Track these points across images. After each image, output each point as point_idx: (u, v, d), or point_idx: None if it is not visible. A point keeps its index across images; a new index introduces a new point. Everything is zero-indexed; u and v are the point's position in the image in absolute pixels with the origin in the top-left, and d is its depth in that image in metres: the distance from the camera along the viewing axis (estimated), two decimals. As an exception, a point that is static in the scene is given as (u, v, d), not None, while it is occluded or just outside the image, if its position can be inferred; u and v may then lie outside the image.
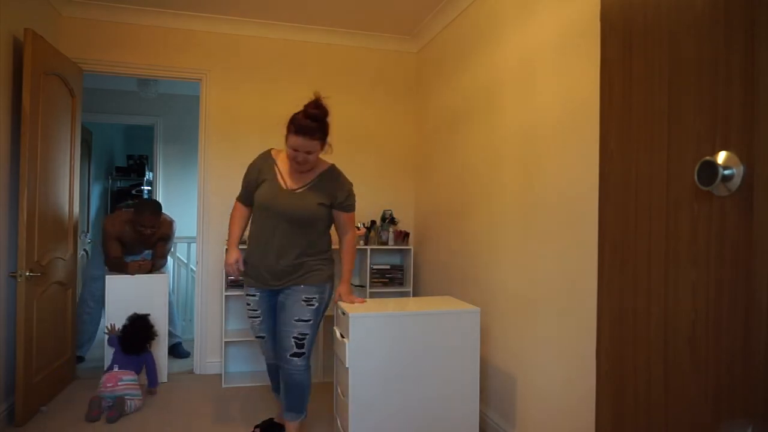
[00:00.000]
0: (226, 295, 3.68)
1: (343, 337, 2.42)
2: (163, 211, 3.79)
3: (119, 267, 3.64)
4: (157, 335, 3.47)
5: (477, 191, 3.09)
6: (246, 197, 2.65)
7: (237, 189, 3.92)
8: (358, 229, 3.87)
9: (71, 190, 3.54)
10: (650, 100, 1.07)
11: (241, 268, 2.60)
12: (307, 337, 2.48)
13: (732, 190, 0.88)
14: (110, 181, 6.67)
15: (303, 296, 2.48)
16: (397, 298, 2.85)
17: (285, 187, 2.48)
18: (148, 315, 3.47)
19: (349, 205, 2.58)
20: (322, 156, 2.51)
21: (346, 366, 2.32)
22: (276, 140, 3.97)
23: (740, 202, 0.87)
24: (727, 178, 0.88)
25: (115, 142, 6.95)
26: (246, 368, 3.87)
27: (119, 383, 3.07)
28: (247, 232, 2.72)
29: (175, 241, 4.76)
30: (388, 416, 2.37)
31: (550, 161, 2.38)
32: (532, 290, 2.48)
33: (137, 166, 6.72)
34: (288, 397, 2.54)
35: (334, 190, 2.53)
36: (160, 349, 3.62)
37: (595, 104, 1.94)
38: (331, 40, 4.04)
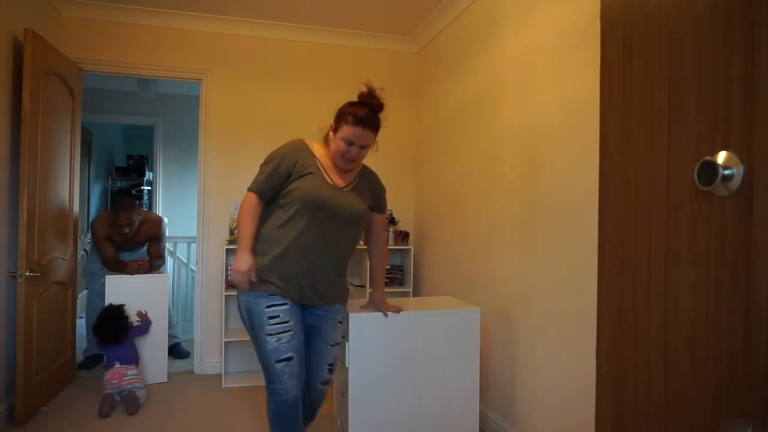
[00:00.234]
0: (226, 295, 3.68)
1: (343, 337, 2.41)
2: (139, 207, 3.79)
3: (118, 267, 3.64)
4: (132, 325, 3.40)
5: (477, 191, 3.09)
6: (268, 190, 2.12)
7: (237, 189, 3.94)
8: (359, 229, 3.86)
9: (71, 190, 3.54)
10: (650, 100, 1.07)
11: (254, 278, 2.07)
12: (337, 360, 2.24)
13: (732, 190, 0.88)
14: (110, 181, 6.67)
15: (339, 317, 2.22)
16: (398, 298, 2.85)
17: (333, 184, 2.13)
18: (123, 305, 3.43)
19: (385, 206, 2.37)
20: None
21: (346, 366, 2.32)
22: (276, 140, 3.97)
23: (740, 202, 0.87)
24: (727, 178, 0.88)
25: (115, 142, 6.95)
26: (246, 368, 3.87)
27: (125, 378, 3.13)
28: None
29: (175, 241, 4.77)
30: (388, 416, 2.36)
31: (550, 161, 2.38)
32: (532, 290, 2.48)
33: (137, 166, 6.72)
34: (307, 414, 2.21)
35: (375, 189, 2.28)
36: (160, 349, 3.62)
37: (595, 104, 1.94)
38: (331, 40, 4.04)
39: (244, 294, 2.10)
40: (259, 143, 3.95)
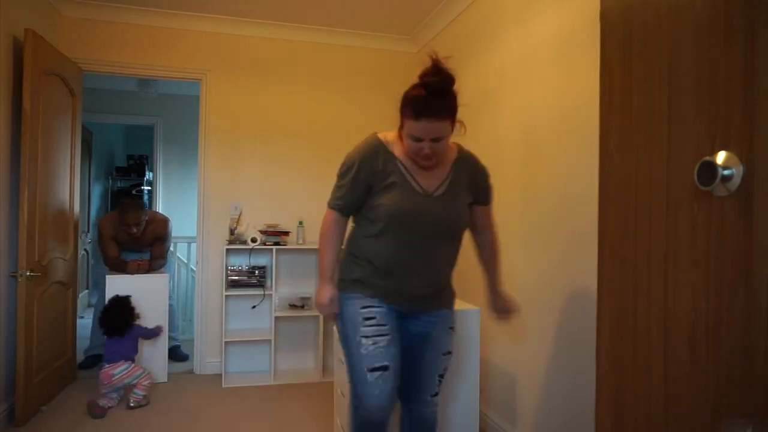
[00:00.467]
0: (226, 295, 3.68)
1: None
2: (145, 207, 3.78)
3: (118, 267, 3.64)
4: (138, 317, 3.38)
5: (477, 191, 3.09)
6: (348, 205, 1.84)
7: (237, 189, 3.95)
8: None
9: (71, 190, 3.54)
10: (650, 100, 1.07)
11: (336, 310, 1.84)
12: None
13: (732, 191, 0.88)
14: (110, 181, 6.67)
15: (449, 323, 1.92)
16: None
17: (422, 191, 1.78)
18: (129, 296, 3.40)
19: (490, 195, 1.98)
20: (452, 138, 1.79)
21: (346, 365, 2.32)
22: (275, 140, 3.99)
23: (740, 202, 0.87)
24: (726, 179, 0.88)
25: (115, 142, 6.95)
26: (246, 368, 3.87)
27: (113, 378, 3.09)
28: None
29: (175, 241, 4.77)
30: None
31: (550, 161, 2.38)
32: (532, 290, 2.48)
33: (137, 166, 6.72)
34: None
35: (475, 180, 1.88)
36: (160, 349, 3.62)
37: (595, 104, 1.94)
38: (331, 40, 4.05)
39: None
40: (259, 143, 3.96)
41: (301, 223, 3.91)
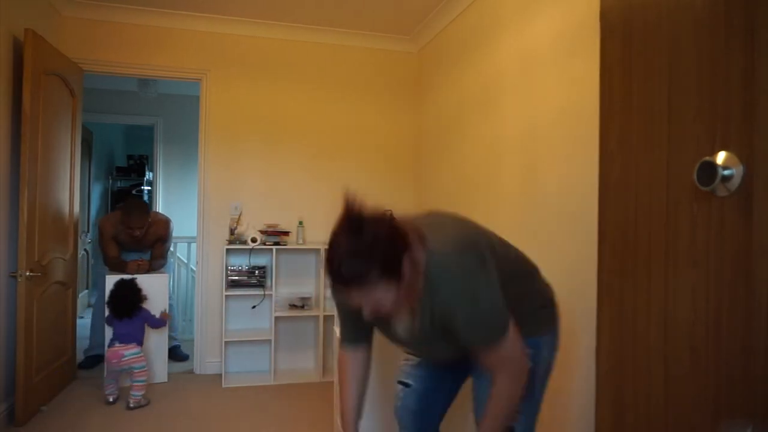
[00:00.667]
0: (226, 295, 3.68)
1: None
2: (151, 210, 3.77)
3: (118, 266, 3.64)
4: (146, 298, 3.41)
5: (476, 191, 3.09)
6: (353, 334, 1.55)
7: (237, 189, 3.95)
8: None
9: (71, 190, 3.54)
10: (650, 100, 1.07)
11: None
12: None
13: (731, 191, 0.88)
14: (110, 181, 6.67)
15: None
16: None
17: (403, 332, 1.43)
18: (135, 278, 3.44)
19: (481, 336, 1.27)
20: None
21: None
22: (275, 140, 3.99)
23: (740, 202, 0.87)
24: (726, 179, 0.88)
25: (115, 142, 6.95)
26: (246, 368, 3.87)
27: (123, 359, 3.14)
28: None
29: (175, 241, 4.77)
30: (389, 416, 2.36)
31: (550, 161, 2.38)
32: (532, 290, 2.47)
33: (137, 166, 6.72)
34: None
35: (449, 321, 1.27)
36: (160, 349, 3.62)
37: (595, 104, 1.94)
38: (331, 40, 4.05)
39: None
40: (259, 143, 3.96)
41: (301, 223, 3.91)
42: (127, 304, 3.27)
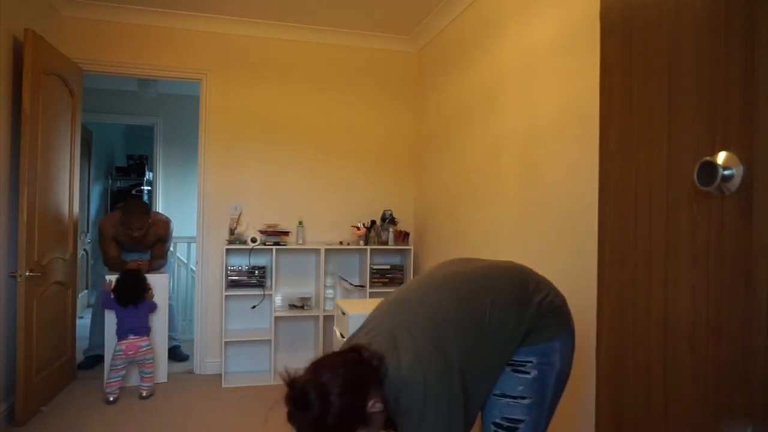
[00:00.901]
0: (226, 295, 3.68)
1: (343, 336, 2.42)
2: (151, 210, 3.77)
3: (118, 267, 3.64)
4: (150, 288, 3.50)
5: (477, 191, 3.09)
6: None
7: (237, 189, 3.95)
8: (358, 229, 3.87)
9: (71, 190, 3.54)
10: (650, 100, 1.07)
11: None
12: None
13: (732, 191, 0.88)
14: (110, 181, 6.67)
15: (522, 359, 1.45)
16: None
17: None
18: (140, 268, 3.58)
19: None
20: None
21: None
22: (275, 140, 3.99)
23: (740, 202, 0.87)
24: (726, 179, 0.88)
25: (115, 142, 6.95)
26: (246, 368, 3.87)
27: (140, 350, 3.31)
28: None
29: (175, 241, 4.77)
30: (388, 416, 2.36)
31: (550, 161, 2.38)
32: (532, 290, 2.47)
33: (137, 166, 6.72)
34: None
35: (401, 420, 1.31)
36: (160, 349, 3.62)
37: (594, 104, 1.94)
38: (331, 40, 4.05)
39: None
40: (259, 143, 3.96)
41: (301, 223, 3.91)
42: (133, 292, 3.36)
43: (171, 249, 4.77)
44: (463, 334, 1.35)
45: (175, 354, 4.14)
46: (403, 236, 4.00)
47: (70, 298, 3.56)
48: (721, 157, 0.89)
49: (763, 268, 0.83)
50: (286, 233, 3.82)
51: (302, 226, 3.91)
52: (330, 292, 3.82)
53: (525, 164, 2.59)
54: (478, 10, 3.12)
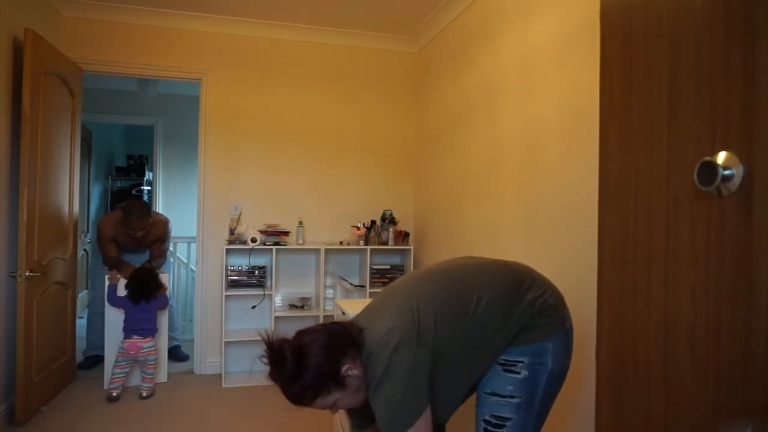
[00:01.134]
0: (226, 295, 3.68)
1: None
2: (151, 210, 3.77)
3: (118, 267, 3.64)
4: (162, 285, 3.54)
5: (477, 191, 3.09)
6: (357, 423, 1.61)
7: (237, 189, 3.95)
8: (358, 229, 3.87)
9: (71, 190, 3.54)
10: (650, 100, 1.07)
11: None
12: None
13: (732, 191, 0.88)
14: (110, 181, 6.67)
15: (511, 359, 1.44)
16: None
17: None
18: (152, 265, 3.64)
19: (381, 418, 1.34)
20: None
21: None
22: (275, 140, 3.98)
23: (740, 202, 0.87)
24: (726, 179, 0.88)
25: (115, 142, 6.95)
26: (246, 368, 3.87)
27: (141, 351, 3.31)
28: None
29: (175, 241, 4.77)
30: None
31: (549, 161, 2.38)
32: (532, 290, 2.47)
33: (137, 166, 6.72)
34: None
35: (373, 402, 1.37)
36: (160, 350, 3.62)
37: (594, 104, 1.94)
38: (331, 40, 4.05)
39: None
40: (259, 143, 3.96)
41: (301, 223, 3.91)
42: (146, 289, 3.39)
43: (171, 249, 4.77)
44: (444, 320, 1.39)
45: (175, 354, 4.13)
46: (403, 236, 4.00)
47: (70, 298, 3.56)
48: (721, 157, 0.89)
49: (763, 268, 0.83)
50: (286, 233, 3.82)
51: (302, 226, 3.91)
52: (330, 292, 3.82)
53: (525, 164, 2.59)
54: (478, 10, 3.12)
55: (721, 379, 0.90)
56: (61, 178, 3.37)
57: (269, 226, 3.80)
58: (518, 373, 1.42)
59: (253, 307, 3.81)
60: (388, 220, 3.98)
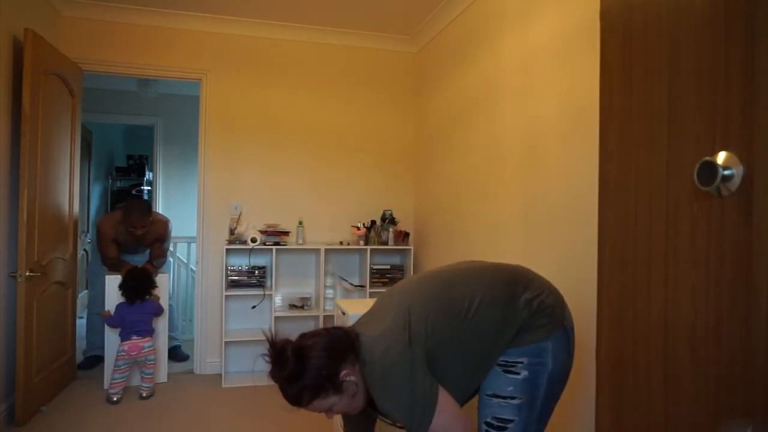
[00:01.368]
0: (226, 295, 3.68)
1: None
2: (152, 209, 3.78)
3: (118, 267, 3.64)
4: (156, 285, 3.52)
5: (477, 191, 3.09)
6: (352, 428, 1.69)
7: (237, 189, 3.95)
8: (358, 229, 3.87)
9: (71, 190, 3.54)
10: (650, 100, 1.07)
11: None
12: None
13: (732, 191, 0.88)
14: (110, 181, 6.67)
15: (511, 360, 1.45)
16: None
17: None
18: (145, 266, 3.60)
19: (401, 418, 1.36)
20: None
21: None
22: (275, 140, 3.99)
23: (740, 202, 0.87)
24: (726, 179, 0.88)
25: (115, 142, 6.95)
26: (246, 368, 3.87)
27: (142, 351, 3.30)
28: None
29: (175, 241, 4.77)
30: (388, 416, 2.36)
31: (549, 161, 2.38)
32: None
33: (137, 166, 6.72)
34: None
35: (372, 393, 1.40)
36: (160, 350, 3.62)
37: (594, 104, 1.94)
38: (332, 40, 4.05)
39: None
40: (259, 143, 3.96)
41: (301, 223, 3.91)
42: (140, 289, 3.38)
43: (171, 249, 4.77)
44: (435, 323, 1.41)
45: (175, 354, 4.13)
46: (403, 236, 4.00)
47: (70, 298, 3.56)
48: (721, 157, 0.89)
49: (763, 268, 0.83)
50: (286, 233, 3.82)
51: (302, 226, 3.91)
52: (330, 292, 3.82)
53: (525, 164, 2.59)
54: (478, 10, 3.12)
55: (721, 379, 0.90)
56: (61, 178, 3.37)
57: (269, 226, 3.80)
58: (518, 373, 1.41)
59: (253, 307, 3.81)
60: (388, 220, 3.98)
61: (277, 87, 3.98)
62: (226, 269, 3.71)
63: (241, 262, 3.80)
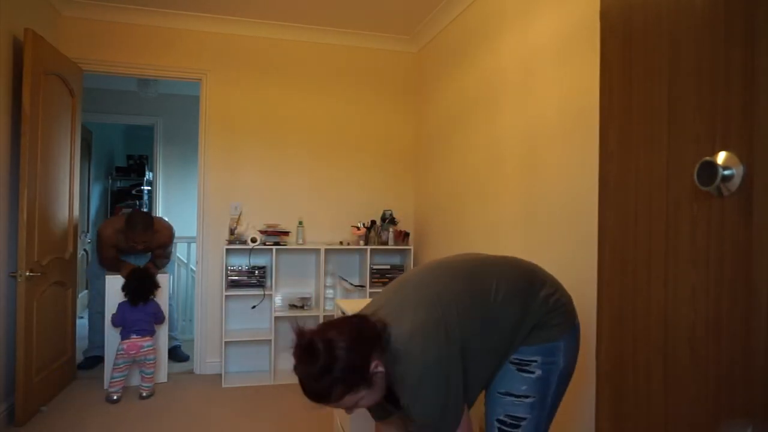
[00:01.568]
0: (226, 295, 3.68)
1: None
2: (154, 220, 3.73)
3: (117, 267, 3.64)
4: (159, 286, 3.53)
5: (477, 191, 3.09)
6: (379, 415, 1.62)
7: (237, 189, 3.95)
8: (358, 229, 3.87)
9: (71, 190, 3.54)
10: (650, 100, 1.07)
11: None
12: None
13: (732, 191, 0.88)
14: (110, 181, 6.67)
15: (525, 359, 1.45)
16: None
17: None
18: (148, 267, 3.62)
19: (413, 409, 1.32)
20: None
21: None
22: (275, 140, 3.99)
23: (740, 202, 0.87)
24: (726, 179, 0.88)
25: (115, 142, 6.95)
26: (246, 368, 3.87)
27: (141, 350, 3.30)
28: None
29: (175, 241, 4.77)
30: (388, 416, 2.36)
31: (550, 161, 2.38)
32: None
33: (137, 166, 6.72)
34: None
35: (400, 390, 1.34)
36: (160, 350, 3.62)
37: (595, 104, 1.94)
38: (332, 40, 4.05)
39: None
40: (259, 143, 3.96)
41: (301, 223, 3.91)
42: (142, 291, 3.38)
43: (171, 250, 4.77)
44: (465, 312, 1.37)
45: (176, 354, 4.13)
46: (403, 236, 4.00)
47: (70, 298, 3.56)
48: (721, 157, 0.89)
49: (763, 268, 0.83)
50: (286, 233, 3.82)
51: (302, 226, 3.91)
52: (330, 292, 3.82)
53: (525, 164, 2.59)
54: (478, 10, 3.12)
55: (721, 379, 0.90)
56: (61, 178, 3.37)
57: (269, 226, 3.80)
58: (532, 372, 1.42)
59: (253, 307, 3.81)
60: (388, 220, 3.98)
61: (277, 87, 3.98)
62: (226, 269, 3.71)
63: (241, 262, 3.80)
